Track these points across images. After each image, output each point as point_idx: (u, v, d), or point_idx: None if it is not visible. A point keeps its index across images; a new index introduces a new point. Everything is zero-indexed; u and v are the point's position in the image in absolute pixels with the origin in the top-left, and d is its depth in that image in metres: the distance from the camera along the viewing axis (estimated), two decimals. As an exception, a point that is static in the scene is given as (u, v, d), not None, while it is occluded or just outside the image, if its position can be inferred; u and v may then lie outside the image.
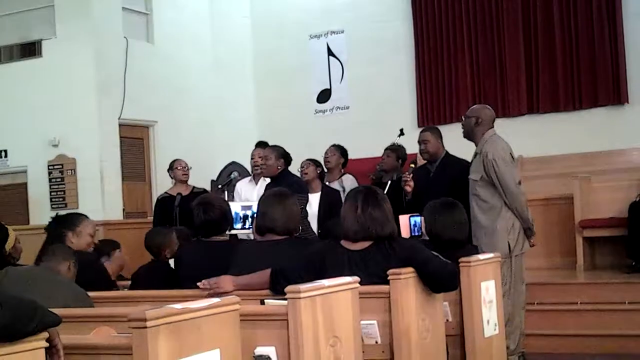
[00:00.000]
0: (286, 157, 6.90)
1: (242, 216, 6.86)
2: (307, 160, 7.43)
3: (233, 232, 6.23)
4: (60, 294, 3.66)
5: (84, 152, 11.26)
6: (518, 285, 5.84)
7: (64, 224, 4.92)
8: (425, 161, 6.71)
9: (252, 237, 5.59)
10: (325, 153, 7.97)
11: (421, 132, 6.68)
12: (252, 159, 7.70)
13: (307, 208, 6.93)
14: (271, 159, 6.83)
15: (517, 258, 5.82)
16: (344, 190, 7.43)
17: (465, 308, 4.51)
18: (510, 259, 5.73)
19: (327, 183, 7.55)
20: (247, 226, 6.84)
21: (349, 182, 7.77)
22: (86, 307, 3.75)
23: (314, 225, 6.99)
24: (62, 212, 5.19)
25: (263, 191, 6.18)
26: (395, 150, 7.47)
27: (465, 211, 5.10)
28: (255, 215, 4.81)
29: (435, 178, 6.39)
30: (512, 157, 5.92)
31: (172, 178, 8.05)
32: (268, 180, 7.14)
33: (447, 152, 6.54)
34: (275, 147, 6.98)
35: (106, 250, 5.59)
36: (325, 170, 7.70)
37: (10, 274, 3.72)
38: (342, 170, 8.01)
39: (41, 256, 4.17)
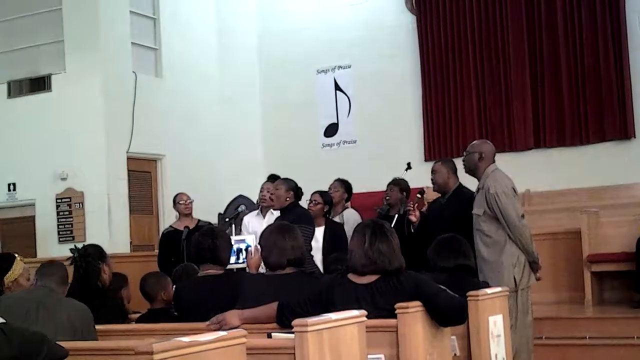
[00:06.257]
0: (296, 191, 6.89)
1: (235, 250, 6.82)
2: (317, 193, 7.42)
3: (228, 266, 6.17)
4: (65, 313, 3.75)
5: (91, 185, 11.31)
6: (525, 319, 5.80)
7: (99, 257, 4.93)
8: (436, 193, 6.71)
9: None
10: (329, 188, 7.97)
11: (434, 163, 6.74)
12: (261, 191, 7.70)
13: (313, 241, 6.92)
14: (280, 190, 6.83)
15: (523, 292, 5.79)
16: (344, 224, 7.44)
17: (473, 342, 4.48)
18: (516, 293, 5.71)
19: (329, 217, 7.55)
20: (240, 260, 6.81)
21: (349, 215, 7.75)
22: (91, 328, 3.86)
23: (319, 258, 6.98)
24: (79, 245, 5.14)
25: (272, 224, 6.16)
26: (398, 183, 7.49)
27: (470, 246, 5.10)
28: (258, 249, 4.75)
29: (445, 211, 6.39)
30: (514, 190, 5.89)
31: (177, 212, 8.08)
32: (276, 214, 7.13)
33: (459, 185, 6.51)
34: (286, 179, 6.97)
35: (120, 286, 5.62)
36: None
37: (4, 303, 3.74)
38: (345, 205, 8.01)
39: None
